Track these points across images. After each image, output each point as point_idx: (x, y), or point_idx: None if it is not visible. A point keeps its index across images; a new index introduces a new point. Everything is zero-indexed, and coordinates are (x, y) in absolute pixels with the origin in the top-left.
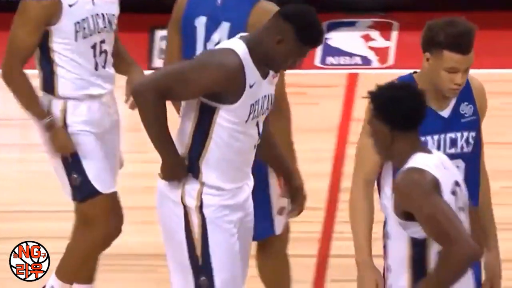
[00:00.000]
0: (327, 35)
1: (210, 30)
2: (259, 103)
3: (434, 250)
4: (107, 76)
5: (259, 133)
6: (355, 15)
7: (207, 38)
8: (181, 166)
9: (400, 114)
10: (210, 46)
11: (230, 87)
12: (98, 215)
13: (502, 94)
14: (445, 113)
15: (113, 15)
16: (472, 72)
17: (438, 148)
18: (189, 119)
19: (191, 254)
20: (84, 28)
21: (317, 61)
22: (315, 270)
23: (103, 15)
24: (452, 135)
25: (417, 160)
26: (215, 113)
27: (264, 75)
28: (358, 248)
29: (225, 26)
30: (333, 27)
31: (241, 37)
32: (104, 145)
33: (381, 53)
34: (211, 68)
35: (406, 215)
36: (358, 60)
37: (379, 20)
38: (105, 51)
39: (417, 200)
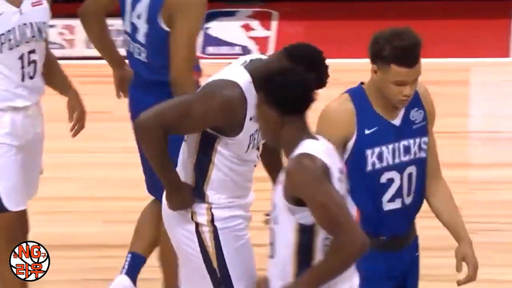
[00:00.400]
0: (207, 25)
1: (135, 0)
2: (258, 132)
3: (321, 237)
4: (35, 87)
5: (258, 156)
6: (234, 5)
7: (133, 7)
8: (187, 193)
9: (289, 99)
10: (134, 16)
11: (231, 121)
12: (1, 230)
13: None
14: (397, 121)
15: (44, 23)
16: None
17: (393, 156)
18: (191, 147)
19: (209, 268)
20: (10, 40)
21: (197, 51)
22: None
23: (31, 24)
24: (405, 142)
25: (307, 146)
26: (215, 142)
27: None
28: None
29: (145, 1)
30: (213, 16)
31: (247, 65)
32: (24, 157)
33: (261, 42)
34: (213, 103)
35: (295, 201)
36: (238, 49)
37: (258, 10)
38: (34, 61)
39: (309, 187)
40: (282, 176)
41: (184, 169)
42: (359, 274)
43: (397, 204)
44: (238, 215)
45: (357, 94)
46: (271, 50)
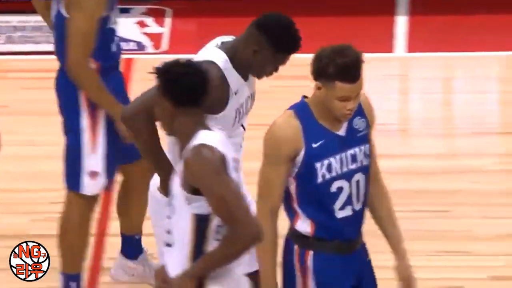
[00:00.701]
0: None
1: None
2: (243, 106)
3: (215, 223)
4: None
5: (244, 129)
6: (129, 2)
7: None
8: None
9: (182, 91)
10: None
11: (214, 100)
12: None
13: (270, 78)
14: (342, 132)
15: None
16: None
17: (342, 165)
18: None
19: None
20: None
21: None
22: (93, 249)
23: None
24: (351, 151)
25: (203, 137)
26: None
27: (246, 77)
28: (265, 277)
29: None
30: None
31: (220, 46)
32: None
33: (155, 38)
34: None
35: (193, 190)
36: (133, 45)
37: (152, 7)
38: None
39: (207, 178)
40: (180, 166)
41: (172, 156)
42: (316, 279)
43: (348, 212)
44: None
45: (301, 110)
46: (164, 46)
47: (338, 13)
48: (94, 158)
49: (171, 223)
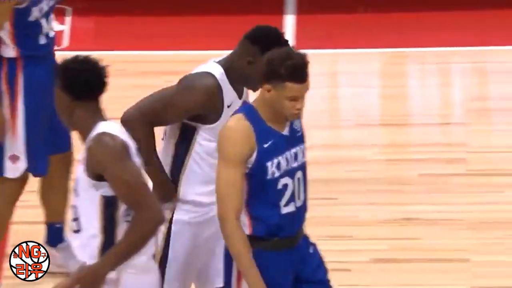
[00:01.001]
0: None
1: None
2: None
3: (123, 208)
4: None
5: None
6: None
7: None
8: (170, 188)
9: (78, 85)
10: None
11: (210, 108)
12: None
13: (165, 74)
14: (286, 132)
15: None
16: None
17: (287, 163)
18: (172, 138)
19: None
20: None
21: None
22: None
23: None
24: (294, 150)
25: (103, 127)
26: (195, 132)
27: (240, 95)
28: (254, 283)
29: None
30: None
31: (218, 61)
32: None
33: (56, 36)
34: (194, 92)
35: (97, 176)
36: None
37: None
38: None
39: (110, 165)
40: (83, 154)
41: (163, 162)
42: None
43: (291, 208)
44: (199, 222)
45: (249, 113)
46: (65, 43)
47: (227, 12)
48: (14, 143)
49: (77, 211)
